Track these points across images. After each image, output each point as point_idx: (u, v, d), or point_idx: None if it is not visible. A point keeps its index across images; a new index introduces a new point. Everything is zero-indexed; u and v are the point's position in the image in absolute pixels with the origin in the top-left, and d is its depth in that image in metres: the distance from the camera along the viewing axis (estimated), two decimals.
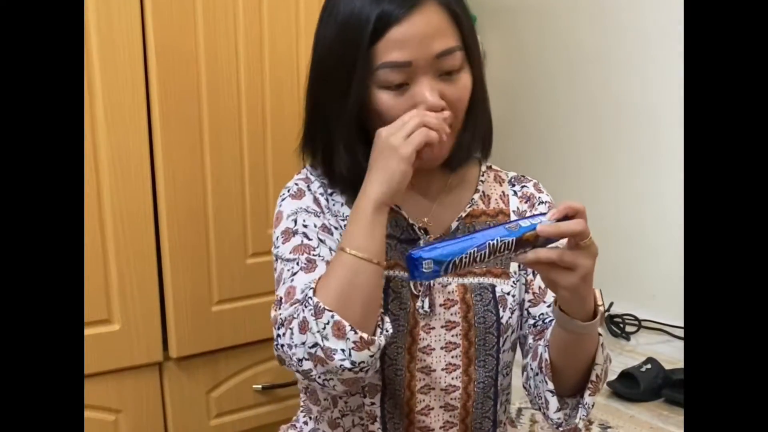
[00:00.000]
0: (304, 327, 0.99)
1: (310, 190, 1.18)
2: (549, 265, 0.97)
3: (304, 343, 0.99)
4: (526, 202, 1.24)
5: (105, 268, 1.56)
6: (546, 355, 1.11)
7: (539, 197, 1.25)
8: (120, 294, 1.58)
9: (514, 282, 1.20)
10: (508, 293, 1.19)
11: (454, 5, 1.10)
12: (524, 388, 1.20)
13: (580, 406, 1.12)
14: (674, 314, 2.12)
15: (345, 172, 1.13)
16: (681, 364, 1.87)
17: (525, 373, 1.19)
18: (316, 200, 1.17)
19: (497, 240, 0.96)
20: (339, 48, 1.08)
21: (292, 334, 1.00)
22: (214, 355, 1.75)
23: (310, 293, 1.00)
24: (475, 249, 0.95)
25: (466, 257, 0.95)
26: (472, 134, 1.17)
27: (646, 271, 2.28)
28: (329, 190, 1.18)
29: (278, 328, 1.04)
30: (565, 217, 0.98)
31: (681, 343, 2.06)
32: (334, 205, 1.18)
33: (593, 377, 1.10)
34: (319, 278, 1.03)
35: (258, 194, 1.71)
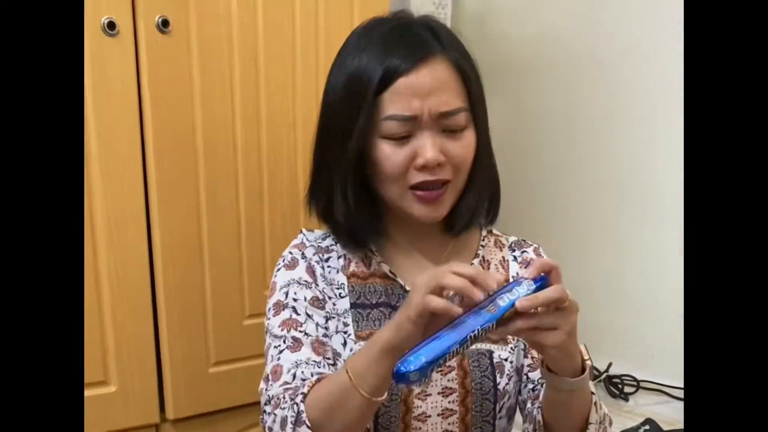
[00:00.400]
0: (283, 425, 1.02)
1: (305, 257, 1.19)
2: (531, 330, 0.97)
3: None
4: (525, 268, 1.24)
5: (101, 329, 1.55)
6: (539, 417, 1.11)
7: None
8: (116, 355, 1.57)
9: (512, 348, 1.19)
10: (506, 359, 1.18)
11: (463, 63, 1.11)
12: None
13: None
14: (673, 375, 2.11)
15: (342, 219, 1.15)
16: (679, 425, 1.86)
17: (527, 426, 1.19)
18: (309, 268, 1.18)
19: (478, 330, 0.94)
20: (345, 98, 1.11)
21: (274, 421, 1.04)
22: (212, 417, 1.73)
23: (300, 399, 1.02)
24: (458, 346, 0.94)
25: (449, 356, 0.94)
26: (477, 197, 1.17)
27: (644, 331, 2.27)
28: (325, 256, 1.20)
29: (265, 405, 1.07)
30: (542, 276, 0.97)
31: (680, 404, 2.04)
32: (329, 273, 1.19)
33: None
34: (318, 381, 1.03)
35: (255, 256, 1.72)
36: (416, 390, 1.14)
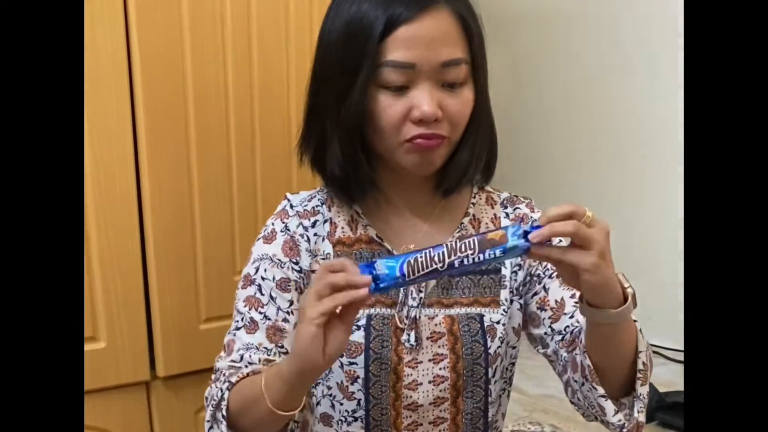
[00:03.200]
0: (211, 401, 1.06)
1: (286, 230, 1.16)
2: (562, 250, 0.92)
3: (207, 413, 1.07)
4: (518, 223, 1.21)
5: (90, 285, 1.54)
6: (587, 362, 1.05)
7: (532, 218, 1.22)
8: (106, 311, 1.56)
9: (504, 310, 1.16)
10: (498, 322, 1.15)
11: (467, 16, 1.08)
12: (572, 403, 1.15)
13: (635, 399, 1.05)
14: (669, 337, 2.10)
15: (337, 170, 1.12)
16: (675, 387, 1.86)
17: (569, 388, 1.14)
18: (289, 243, 1.15)
19: (455, 241, 0.91)
20: (344, 44, 1.07)
21: (209, 393, 1.07)
22: (203, 375, 1.72)
23: (227, 386, 1.04)
24: (431, 249, 0.91)
25: (421, 257, 0.91)
26: (471, 155, 1.13)
27: (642, 293, 2.25)
28: (311, 220, 1.17)
29: (212, 374, 1.11)
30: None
31: (676, 366, 2.05)
32: (315, 242, 1.16)
33: (640, 366, 1.04)
34: (248, 375, 1.05)
35: (246, 210, 1.70)
36: (406, 359, 1.12)
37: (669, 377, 1.97)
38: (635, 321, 1.05)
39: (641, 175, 2.24)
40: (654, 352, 2.11)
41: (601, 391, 1.06)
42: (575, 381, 1.11)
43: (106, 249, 1.54)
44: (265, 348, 1.11)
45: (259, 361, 1.09)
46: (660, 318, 2.18)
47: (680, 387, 1.84)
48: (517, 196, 1.25)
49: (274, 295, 1.13)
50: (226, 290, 1.69)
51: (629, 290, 1.00)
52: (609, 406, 1.06)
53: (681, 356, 2.08)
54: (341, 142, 1.10)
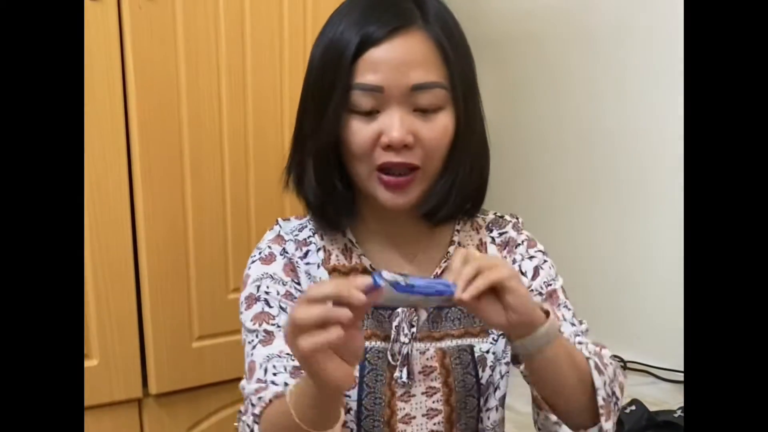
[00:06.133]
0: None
1: (285, 253, 1.14)
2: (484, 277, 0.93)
3: None
4: (504, 249, 1.18)
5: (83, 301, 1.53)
6: (535, 393, 1.05)
7: (516, 240, 1.19)
8: (98, 328, 1.56)
9: (494, 339, 1.15)
10: (488, 351, 1.14)
11: (446, 39, 1.05)
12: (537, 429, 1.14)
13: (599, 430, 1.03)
14: (658, 356, 2.11)
15: (312, 198, 1.10)
16: (665, 406, 1.86)
17: (533, 414, 1.12)
18: (289, 265, 1.14)
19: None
20: (321, 69, 1.06)
21: (242, 429, 1.03)
22: (195, 392, 1.72)
23: (252, 420, 1.01)
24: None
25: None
26: (452, 185, 1.09)
27: (630, 313, 2.27)
28: (304, 250, 1.15)
29: (244, 401, 1.06)
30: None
31: (666, 385, 2.05)
32: (309, 269, 1.14)
33: (600, 402, 1.01)
34: (270, 402, 1.00)
35: (240, 228, 1.70)
36: (399, 392, 1.10)
37: (659, 396, 1.97)
38: (588, 358, 1.04)
39: (630, 200, 2.25)
40: (643, 371, 2.13)
41: (554, 418, 1.04)
42: (534, 410, 1.09)
43: (99, 266, 1.54)
44: (287, 354, 1.06)
45: (285, 369, 1.05)
46: (648, 337, 2.19)
47: (670, 406, 1.84)
48: (502, 217, 1.22)
49: (283, 305, 1.10)
50: (219, 308, 1.69)
51: (548, 308, 0.99)
52: (564, 430, 1.05)
53: (671, 375, 2.08)
54: (315, 169, 1.09)
